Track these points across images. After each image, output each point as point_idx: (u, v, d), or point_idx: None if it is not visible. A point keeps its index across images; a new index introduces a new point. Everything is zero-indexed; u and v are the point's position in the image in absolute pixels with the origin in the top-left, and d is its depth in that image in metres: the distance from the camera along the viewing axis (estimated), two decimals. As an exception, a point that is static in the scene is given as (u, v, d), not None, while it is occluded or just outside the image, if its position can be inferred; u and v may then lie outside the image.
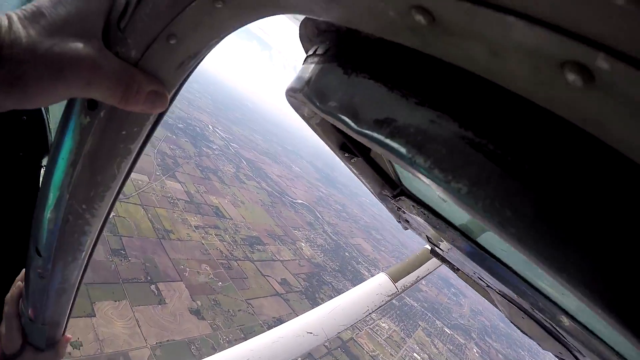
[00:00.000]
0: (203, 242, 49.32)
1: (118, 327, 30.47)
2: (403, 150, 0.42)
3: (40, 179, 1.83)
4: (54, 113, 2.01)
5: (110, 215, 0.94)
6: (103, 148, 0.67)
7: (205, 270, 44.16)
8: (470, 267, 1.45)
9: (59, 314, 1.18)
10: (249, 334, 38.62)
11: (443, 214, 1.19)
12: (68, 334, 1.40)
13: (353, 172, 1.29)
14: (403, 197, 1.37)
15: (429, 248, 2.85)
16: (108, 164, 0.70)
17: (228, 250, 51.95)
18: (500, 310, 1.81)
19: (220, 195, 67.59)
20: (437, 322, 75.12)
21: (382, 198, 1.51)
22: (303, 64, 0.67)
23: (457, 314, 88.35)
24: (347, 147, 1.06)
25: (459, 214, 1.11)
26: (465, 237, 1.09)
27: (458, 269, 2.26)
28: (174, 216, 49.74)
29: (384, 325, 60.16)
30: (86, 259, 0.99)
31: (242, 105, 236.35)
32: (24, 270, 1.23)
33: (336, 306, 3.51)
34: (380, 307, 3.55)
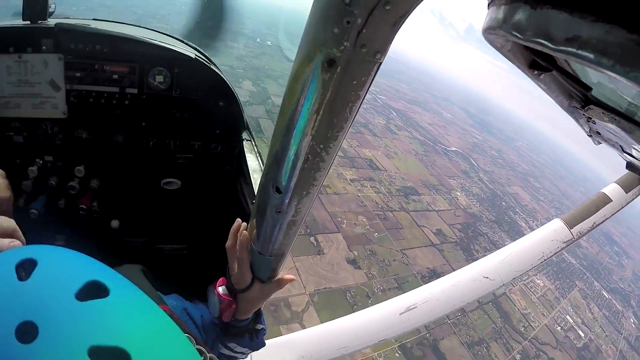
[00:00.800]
0: (359, 194, 50.71)
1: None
2: (591, 56, 0.49)
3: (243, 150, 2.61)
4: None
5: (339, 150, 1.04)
6: (340, 96, 0.82)
7: (362, 221, 45.58)
8: None
9: (285, 244, 1.32)
10: (403, 284, 39.35)
11: (633, 117, 1.16)
12: (288, 275, 1.56)
13: (542, 88, 1.32)
14: (592, 105, 1.35)
15: (605, 193, 3.17)
16: (343, 108, 0.85)
17: (383, 201, 52.74)
18: None
19: (373, 148, 68.49)
20: (596, 283, 68.90)
21: (571, 111, 1.51)
22: (489, 7, 0.77)
23: (618, 277, 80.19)
24: (537, 64, 1.12)
25: None
26: None
27: None
28: (329, 171, 51.20)
29: (539, 282, 56.81)
30: (316, 193, 1.11)
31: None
32: (241, 221, 1.46)
33: (511, 252, 3.37)
34: (555, 253, 3.38)
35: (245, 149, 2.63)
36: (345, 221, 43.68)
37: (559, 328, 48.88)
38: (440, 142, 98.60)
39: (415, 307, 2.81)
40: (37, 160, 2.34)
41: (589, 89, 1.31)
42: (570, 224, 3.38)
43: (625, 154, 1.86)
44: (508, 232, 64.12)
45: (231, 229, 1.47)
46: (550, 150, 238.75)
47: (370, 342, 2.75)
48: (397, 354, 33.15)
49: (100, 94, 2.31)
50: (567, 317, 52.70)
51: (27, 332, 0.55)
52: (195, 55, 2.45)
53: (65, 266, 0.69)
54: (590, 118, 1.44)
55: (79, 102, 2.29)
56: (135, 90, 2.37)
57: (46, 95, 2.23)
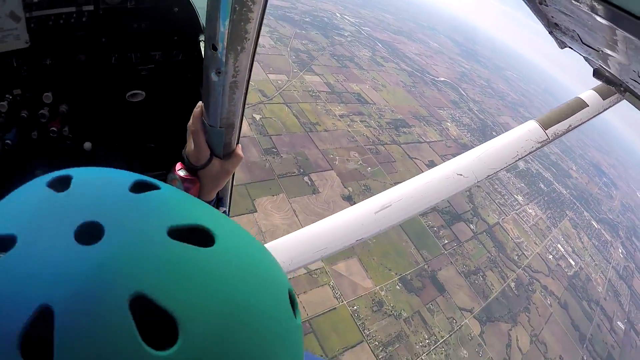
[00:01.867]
0: (349, 130, 49.80)
1: (278, 219, 33.04)
2: None
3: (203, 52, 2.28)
4: None
5: (267, 2, 1.07)
6: None
7: (354, 157, 44.96)
8: (633, 60, 1.33)
9: (234, 113, 1.35)
10: (400, 219, 39.61)
11: None
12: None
13: None
14: None
15: (582, 98, 3.21)
16: None
17: (374, 135, 51.96)
18: None
19: (360, 82, 66.74)
20: (585, 213, 70.92)
21: None
22: None
23: (607, 208, 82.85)
24: None
25: None
26: (605, 2, 1.08)
27: (624, 89, 2.27)
28: (317, 109, 50.55)
29: (530, 211, 57.79)
30: (252, 49, 1.13)
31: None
32: (200, 104, 1.44)
33: (486, 150, 3.21)
34: (530, 153, 3.22)
35: (203, 51, 2.34)
36: (337, 158, 43.08)
37: (550, 256, 50.31)
38: (428, 72, 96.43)
39: (390, 205, 2.82)
40: (6, 95, 2.33)
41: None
42: (546, 125, 3.34)
43: (587, 49, 1.82)
44: (500, 161, 64.05)
45: (193, 111, 1.47)
46: (540, 80, 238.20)
47: (348, 242, 2.78)
48: (397, 286, 33.73)
49: (58, 16, 2.29)
50: (559, 245, 54.17)
51: (87, 233, 0.53)
52: None
53: (105, 173, 0.66)
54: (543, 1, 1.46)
55: (39, 28, 2.26)
56: (91, 7, 2.36)
57: (8, 28, 2.18)
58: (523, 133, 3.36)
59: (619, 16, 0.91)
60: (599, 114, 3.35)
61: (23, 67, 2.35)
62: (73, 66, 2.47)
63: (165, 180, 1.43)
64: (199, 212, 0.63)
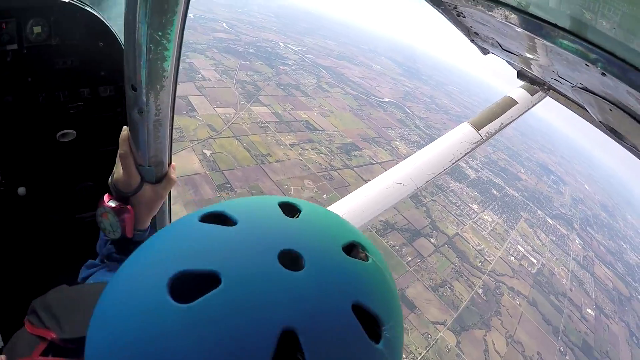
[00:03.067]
0: (301, 158, 49.81)
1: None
2: None
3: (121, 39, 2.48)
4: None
5: (182, 38, 1.09)
6: None
7: (309, 185, 44.86)
8: (550, 61, 1.42)
9: (161, 150, 1.35)
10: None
11: None
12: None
13: None
14: None
15: (510, 97, 3.43)
16: None
17: (326, 161, 52.13)
18: (593, 118, 1.73)
19: (308, 109, 67.29)
20: (539, 212, 73.97)
21: (436, 3, 1.60)
22: None
23: (559, 203, 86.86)
24: None
25: None
26: (518, 10, 1.09)
27: (547, 87, 2.40)
28: (267, 139, 50.31)
29: (487, 217, 59.41)
30: (172, 86, 1.14)
31: (306, 13, 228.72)
32: (126, 128, 1.39)
33: (423, 157, 3.38)
34: (465, 154, 3.40)
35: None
36: (292, 188, 42.92)
37: (512, 258, 51.77)
38: (373, 94, 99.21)
39: None
40: None
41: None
42: (478, 126, 3.51)
43: (507, 55, 1.95)
44: (451, 174, 66.05)
45: (121, 135, 1.43)
46: (480, 91, 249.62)
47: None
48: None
49: None
50: (519, 246, 55.99)
51: (292, 259, 0.60)
52: None
53: (329, 219, 0.74)
54: (457, 7, 1.53)
55: None
56: (15, 46, 2.29)
57: None
58: (457, 136, 3.51)
59: (536, 25, 0.98)
60: (528, 109, 3.52)
61: None
62: (0, 108, 2.37)
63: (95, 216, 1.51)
64: (351, 229, 0.73)
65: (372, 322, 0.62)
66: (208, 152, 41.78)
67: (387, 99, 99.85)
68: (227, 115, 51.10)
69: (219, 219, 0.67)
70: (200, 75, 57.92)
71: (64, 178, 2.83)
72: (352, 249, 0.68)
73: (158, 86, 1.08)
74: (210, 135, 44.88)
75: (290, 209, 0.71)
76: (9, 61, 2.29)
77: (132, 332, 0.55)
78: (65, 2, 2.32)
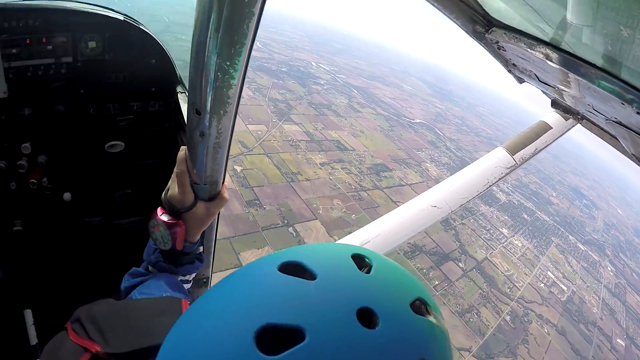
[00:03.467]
0: (331, 177, 50.00)
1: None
2: None
3: (179, 100, 2.75)
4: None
5: (247, 69, 1.10)
6: (235, 13, 0.89)
7: (338, 204, 44.84)
8: (585, 95, 1.46)
9: (217, 171, 1.40)
10: (390, 262, 39.71)
11: (533, 34, 1.33)
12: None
13: (439, 9, 1.49)
14: (494, 28, 1.53)
15: (545, 121, 3.46)
16: (240, 25, 0.92)
17: (356, 181, 52.15)
18: (625, 150, 1.78)
19: (339, 129, 67.74)
20: (570, 237, 71.69)
21: (478, 37, 1.65)
22: None
23: (591, 229, 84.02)
24: None
25: (545, 24, 1.22)
26: (559, 50, 1.16)
27: (580, 117, 2.37)
28: (298, 158, 50.78)
29: (517, 242, 57.98)
30: (234, 112, 1.19)
31: (337, 34, 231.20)
32: (184, 147, 1.45)
33: (457, 181, 3.43)
34: (499, 179, 3.49)
35: (180, 101, 2.74)
36: (321, 207, 42.91)
37: (542, 285, 50.14)
38: (404, 115, 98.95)
39: (369, 241, 2.90)
40: None
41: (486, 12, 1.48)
42: (513, 151, 3.54)
43: (543, 86, 1.98)
44: (481, 198, 63.91)
45: (178, 155, 1.49)
46: (512, 113, 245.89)
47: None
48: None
49: (37, 67, 2.34)
50: (549, 273, 54.20)
51: (367, 316, 0.63)
52: (124, 17, 2.52)
53: (397, 275, 0.77)
54: (498, 43, 1.58)
55: (18, 78, 2.30)
56: (70, 59, 2.41)
57: None
58: (492, 161, 3.54)
59: (571, 62, 0.99)
60: (563, 134, 3.54)
61: (1, 117, 2.37)
62: (51, 117, 2.50)
63: (146, 227, 1.58)
64: (417, 284, 0.77)
65: None
66: (239, 168, 42.41)
67: (418, 120, 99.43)
68: (259, 132, 51.94)
69: (298, 270, 0.70)
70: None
71: (105, 185, 2.99)
72: (418, 305, 0.72)
73: (221, 111, 1.13)
74: (241, 151, 45.64)
75: (361, 261, 0.74)
76: (63, 72, 2.43)
77: None
78: (120, 20, 2.49)
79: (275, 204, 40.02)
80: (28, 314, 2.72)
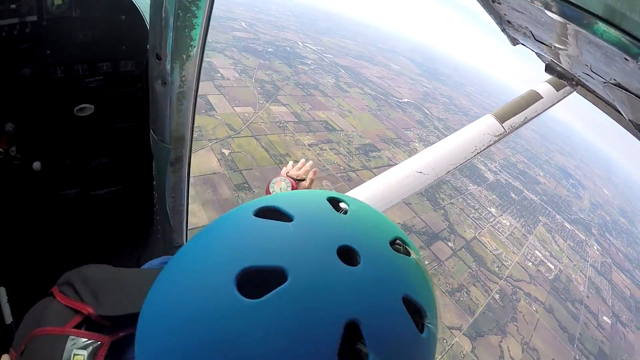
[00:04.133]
0: (319, 159, 49.68)
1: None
2: None
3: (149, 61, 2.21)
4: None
5: (213, 6, 1.03)
6: None
7: (327, 186, 44.65)
8: (584, 53, 1.40)
9: (183, 125, 1.30)
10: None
11: None
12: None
13: None
14: None
15: (536, 90, 3.41)
16: None
17: (345, 162, 51.97)
18: (623, 115, 1.73)
19: (326, 109, 67.22)
20: (557, 216, 73.04)
21: None
22: None
23: (577, 208, 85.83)
24: None
25: None
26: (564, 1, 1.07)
27: (575, 82, 2.34)
28: (286, 139, 50.33)
29: (505, 222, 58.68)
30: (198, 56, 1.11)
31: (325, 13, 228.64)
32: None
33: (444, 147, 3.36)
34: (488, 147, 3.37)
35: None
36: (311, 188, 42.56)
37: (530, 263, 50.97)
38: (392, 94, 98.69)
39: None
40: None
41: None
42: (502, 119, 3.50)
43: (538, 45, 1.94)
44: (469, 177, 65.76)
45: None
46: (499, 92, 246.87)
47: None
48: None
49: (0, 28, 2.17)
50: (536, 251, 55.04)
51: (349, 255, 0.64)
52: None
53: (374, 215, 0.80)
54: None
55: None
56: (35, 18, 2.25)
57: None
58: (480, 128, 3.47)
59: (572, 12, 0.96)
60: (553, 105, 3.50)
61: None
62: (17, 81, 2.33)
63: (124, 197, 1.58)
64: (393, 225, 0.79)
65: (417, 314, 0.66)
66: (226, 152, 41.86)
67: (405, 100, 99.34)
68: (246, 114, 51.23)
69: (274, 213, 0.70)
70: (219, 74, 58.15)
71: (79, 154, 2.82)
72: (398, 243, 0.74)
73: (184, 55, 1.05)
74: (228, 134, 45.02)
75: (337, 204, 0.76)
76: (28, 32, 2.24)
77: (202, 327, 0.58)
78: None
79: (264, 187, 39.17)
80: (2, 292, 2.54)
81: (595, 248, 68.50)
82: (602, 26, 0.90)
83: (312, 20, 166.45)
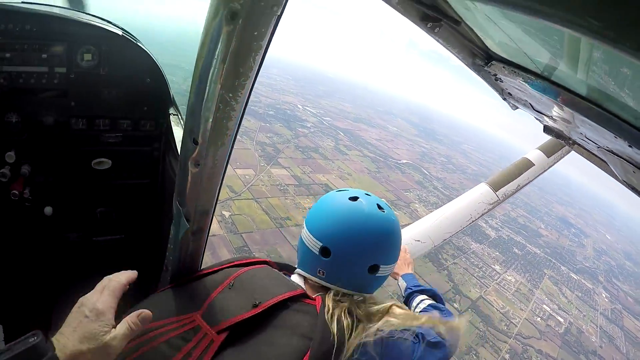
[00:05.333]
0: (320, 222, 48.93)
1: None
2: None
3: (170, 121, 2.67)
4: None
5: (248, 101, 1.11)
6: (243, 46, 0.89)
7: (330, 250, 43.74)
8: (579, 125, 1.53)
9: (209, 201, 1.38)
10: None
11: (531, 68, 1.37)
12: None
13: (441, 44, 1.54)
14: (493, 61, 1.60)
15: (527, 158, 3.54)
16: (247, 57, 0.91)
17: (346, 225, 51.14)
18: (616, 175, 1.83)
19: (326, 172, 68.37)
20: (562, 267, 72.22)
21: (477, 69, 1.72)
22: None
23: (582, 257, 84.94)
24: (428, 17, 1.32)
25: (542, 57, 1.24)
26: (555, 84, 1.20)
27: (572, 142, 2.44)
28: (286, 202, 50.59)
29: (510, 278, 58.11)
30: (231, 143, 1.19)
31: (323, 77, 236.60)
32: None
33: (441, 216, 3.52)
34: (482, 215, 3.61)
35: (172, 123, 2.65)
36: (311, 253, 42.14)
37: (538, 319, 49.97)
38: (390, 156, 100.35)
39: None
40: None
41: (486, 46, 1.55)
42: (496, 187, 3.58)
43: (537, 114, 2.05)
44: (471, 235, 65.16)
45: None
46: (494, 147, 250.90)
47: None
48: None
49: (29, 74, 2.28)
50: (544, 306, 54.07)
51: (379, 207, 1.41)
52: (122, 32, 2.50)
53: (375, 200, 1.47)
54: (496, 75, 1.65)
55: (9, 84, 2.25)
56: (64, 70, 2.35)
57: None
58: (475, 196, 3.64)
59: (573, 100, 1.04)
60: (545, 171, 3.64)
61: None
62: (39, 127, 2.42)
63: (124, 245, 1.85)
64: (382, 201, 1.46)
65: None
66: (227, 214, 41.92)
67: (404, 161, 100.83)
68: (247, 176, 51.83)
69: (354, 198, 1.38)
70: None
71: (87, 202, 2.89)
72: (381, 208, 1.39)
73: (219, 142, 1.13)
74: (229, 196, 45.21)
75: (354, 197, 1.40)
76: (55, 83, 2.38)
77: (339, 210, 1.35)
78: (118, 34, 2.46)
79: (264, 250, 39.42)
80: None
81: (604, 295, 67.14)
82: (593, 110, 1.04)
83: (311, 83, 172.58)
